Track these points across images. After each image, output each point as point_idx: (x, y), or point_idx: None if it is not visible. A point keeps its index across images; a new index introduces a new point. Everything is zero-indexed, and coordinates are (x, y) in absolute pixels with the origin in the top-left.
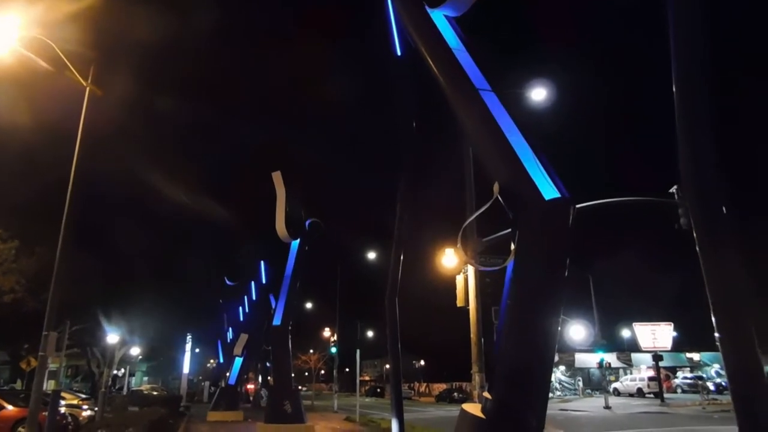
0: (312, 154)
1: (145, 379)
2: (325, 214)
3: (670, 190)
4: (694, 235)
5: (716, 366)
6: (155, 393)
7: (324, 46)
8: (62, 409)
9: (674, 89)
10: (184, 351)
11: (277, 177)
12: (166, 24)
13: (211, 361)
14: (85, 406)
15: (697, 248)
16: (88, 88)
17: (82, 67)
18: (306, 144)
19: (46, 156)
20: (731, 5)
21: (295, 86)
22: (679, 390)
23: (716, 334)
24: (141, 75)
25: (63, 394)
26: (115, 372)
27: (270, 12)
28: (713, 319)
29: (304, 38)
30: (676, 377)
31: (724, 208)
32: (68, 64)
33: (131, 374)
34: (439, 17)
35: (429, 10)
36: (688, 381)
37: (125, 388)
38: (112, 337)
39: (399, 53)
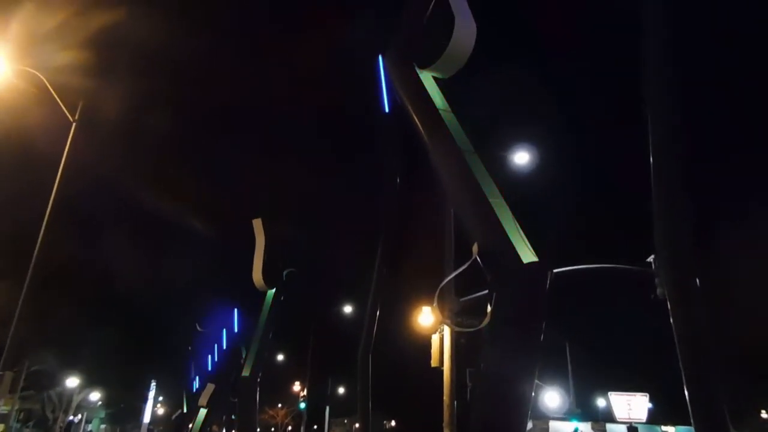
0: (300, 193)
1: (103, 426)
2: (303, 262)
3: (648, 260)
4: (668, 306)
5: None
6: None
7: (321, 54)
8: None
9: (651, 171)
10: (146, 399)
11: (257, 224)
12: (159, 35)
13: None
14: None
15: (671, 320)
16: (74, 125)
17: (70, 94)
18: (294, 170)
19: (15, 185)
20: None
21: (290, 103)
22: None
23: (689, 407)
24: (127, 95)
25: None
26: (71, 418)
27: (266, 19)
28: (686, 391)
29: (300, 46)
30: None
31: (697, 281)
32: (57, 99)
33: (88, 421)
34: (427, 78)
35: (418, 70)
36: None
37: None
38: (72, 381)
39: (387, 109)
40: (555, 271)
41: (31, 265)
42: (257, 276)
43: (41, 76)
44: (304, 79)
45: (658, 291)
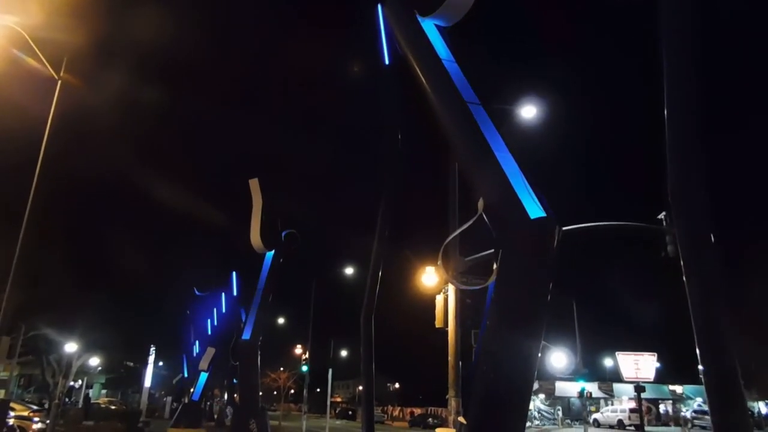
0: (300, 157)
1: (104, 392)
2: (303, 224)
3: (659, 216)
4: (681, 264)
5: (699, 399)
6: (113, 407)
7: (325, 41)
8: (11, 421)
9: (666, 119)
10: (146, 363)
11: (254, 184)
12: (161, 21)
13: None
14: (36, 419)
15: (684, 278)
16: (59, 82)
17: (68, 60)
18: (295, 147)
19: (7, 146)
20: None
21: (294, 84)
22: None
23: (700, 366)
24: (130, 70)
25: (13, 405)
26: (71, 383)
27: (269, 7)
28: (697, 350)
29: (304, 34)
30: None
31: (712, 237)
32: (40, 54)
33: (89, 386)
34: (429, 26)
35: (420, 18)
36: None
37: (81, 401)
38: (71, 346)
39: (387, 62)
40: (564, 229)
41: (23, 228)
42: (255, 238)
43: (24, 33)
44: (301, 43)
45: (669, 249)
